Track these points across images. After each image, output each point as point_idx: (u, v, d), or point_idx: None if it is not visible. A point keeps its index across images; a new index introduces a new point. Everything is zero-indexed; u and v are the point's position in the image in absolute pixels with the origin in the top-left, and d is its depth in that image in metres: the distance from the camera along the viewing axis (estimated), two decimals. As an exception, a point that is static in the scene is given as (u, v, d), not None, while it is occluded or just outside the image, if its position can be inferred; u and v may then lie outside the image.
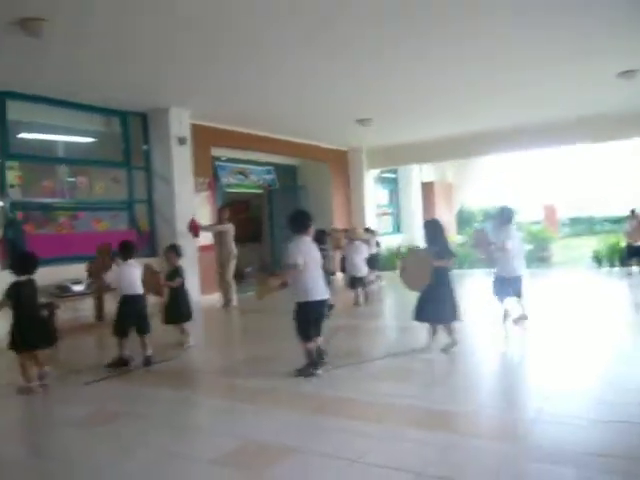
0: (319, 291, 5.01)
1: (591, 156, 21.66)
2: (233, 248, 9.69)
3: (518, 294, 6.95)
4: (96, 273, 6.77)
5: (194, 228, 9.57)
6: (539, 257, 15.41)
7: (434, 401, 4.23)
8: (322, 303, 5.10)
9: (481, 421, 3.81)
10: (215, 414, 4.38)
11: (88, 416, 4.34)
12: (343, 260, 10.08)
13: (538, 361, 5.41)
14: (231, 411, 4.30)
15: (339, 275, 11.21)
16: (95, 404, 4.66)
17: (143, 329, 5.82)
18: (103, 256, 6.61)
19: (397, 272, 5.81)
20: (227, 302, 9.71)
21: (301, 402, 4.35)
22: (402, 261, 5.91)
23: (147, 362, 5.74)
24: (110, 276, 5.80)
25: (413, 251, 6.10)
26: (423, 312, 5.65)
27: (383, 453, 3.29)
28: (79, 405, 4.64)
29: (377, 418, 3.89)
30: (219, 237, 9.72)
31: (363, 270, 9.43)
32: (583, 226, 24.20)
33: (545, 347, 5.86)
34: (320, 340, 5.19)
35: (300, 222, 5.06)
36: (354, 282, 9.39)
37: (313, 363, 5.02)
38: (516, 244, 6.89)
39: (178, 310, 6.53)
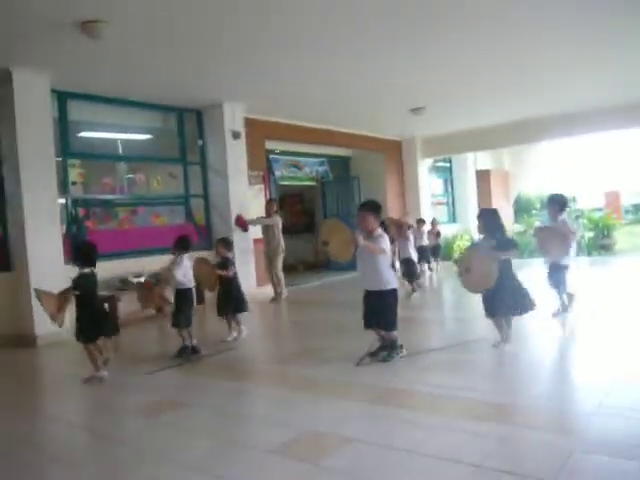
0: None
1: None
2: (281, 241, 9.71)
3: (557, 285, 6.60)
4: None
5: (242, 224, 9.70)
6: (601, 245, 14.93)
7: (491, 393, 4.17)
8: None
9: (539, 413, 3.71)
10: (271, 404, 4.43)
11: (149, 404, 4.47)
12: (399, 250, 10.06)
13: (598, 352, 5.21)
14: (287, 401, 4.34)
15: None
16: (155, 393, 4.79)
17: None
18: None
19: (457, 275, 5.59)
20: (276, 295, 9.77)
21: (357, 392, 4.36)
22: (459, 263, 5.60)
23: (194, 351, 5.91)
24: (180, 273, 5.85)
25: (471, 253, 5.72)
26: (491, 306, 5.28)
27: (440, 444, 3.25)
28: (140, 394, 4.79)
29: (433, 409, 3.86)
30: (267, 230, 9.78)
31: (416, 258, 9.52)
32: (648, 212, 23.30)
33: (605, 337, 5.67)
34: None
35: (378, 206, 5.24)
36: (413, 271, 9.34)
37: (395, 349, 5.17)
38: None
39: (232, 301, 6.62)
